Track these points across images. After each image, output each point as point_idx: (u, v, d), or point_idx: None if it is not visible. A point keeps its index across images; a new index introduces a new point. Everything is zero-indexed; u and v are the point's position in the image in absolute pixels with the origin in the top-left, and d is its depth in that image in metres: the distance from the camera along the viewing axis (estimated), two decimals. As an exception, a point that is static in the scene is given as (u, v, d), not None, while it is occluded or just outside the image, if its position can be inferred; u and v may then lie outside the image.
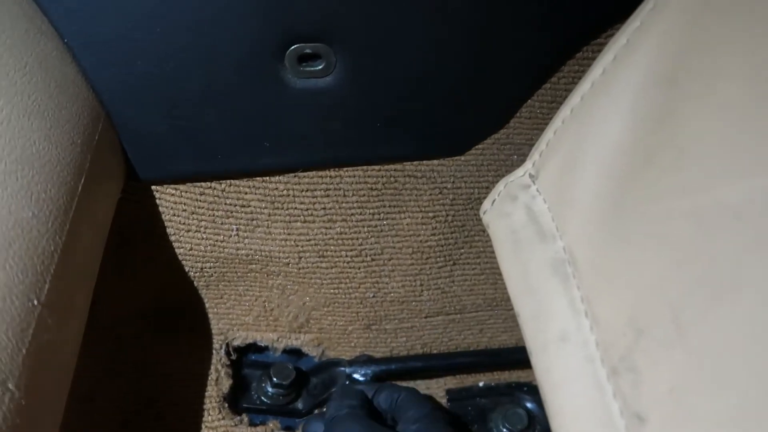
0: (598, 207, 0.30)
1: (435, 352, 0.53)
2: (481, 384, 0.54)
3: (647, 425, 0.25)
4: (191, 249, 0.44)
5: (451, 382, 0.54)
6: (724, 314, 0.22)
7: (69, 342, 0.30)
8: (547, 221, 0.34)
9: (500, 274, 0.52)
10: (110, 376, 0.42)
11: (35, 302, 0.27)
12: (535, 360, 0.32)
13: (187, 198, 0.42)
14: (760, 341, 0.21)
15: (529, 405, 0.53)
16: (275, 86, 0.38)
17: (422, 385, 0.54)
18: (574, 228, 0.32)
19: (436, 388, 0.54)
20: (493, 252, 0.51)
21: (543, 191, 0.34)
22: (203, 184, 0.42)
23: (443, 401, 0.53)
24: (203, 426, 0.44)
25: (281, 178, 0.43)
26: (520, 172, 0.36)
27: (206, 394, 0.45)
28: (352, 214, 0.46)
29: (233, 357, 0.49)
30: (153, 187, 0.41)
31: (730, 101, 0.23)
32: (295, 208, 0.44)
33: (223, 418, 0.45)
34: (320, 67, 0.38)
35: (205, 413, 0.45)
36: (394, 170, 0.45)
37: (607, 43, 0.43)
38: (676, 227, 0.25)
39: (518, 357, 0.54)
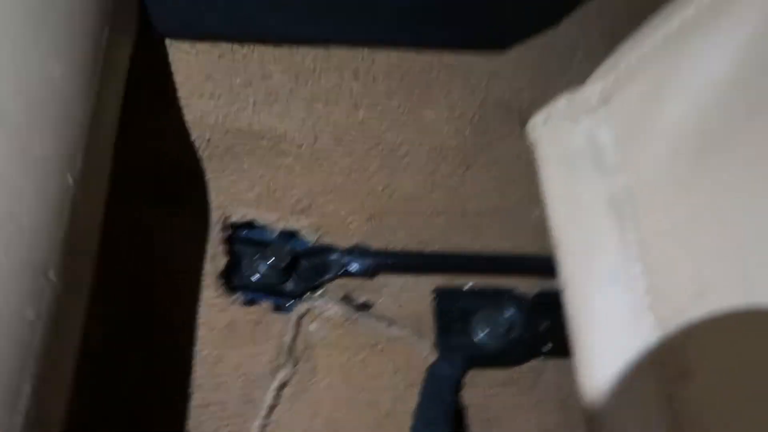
0: (679, 150, 0.29)
1: (430, 250, 0.53)
2: (468, 286, 0.55)
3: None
4: (201, 117, 0.40)
5: (440, 280, 0.54)
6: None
7: (97, 217, 0.26)
8: (609, 153, 0.32)
9: (510, 183, 0.51)
10: (103, 240, 0.39)
11: (70, 181, 0.23)
12: (571, 293, 0.31)
13: (204, 59, 0.37)
14: None
15: (510, 311, 0.54)
16: (330, -55, 0.33)
17: (411, 280, 0.54)
18: (642, 167, 0.30)
19: (425, 285, 0.54)
20: (507, 160, 0.50)
21: (611, 119, 0.32)
22: (224, 45, 0.37)
23: (429, 298, 0.54)
24: (201, 302, 0.42)
25: (310, 50, 0.39)
26: (586, 91, 0.34)
27: (203, 270, 0.43)
28: (378, 102, 0.42)
29: (228, 233, 0.47)
30: (167, 42, 0.36)
31: None
32: (320, 86, 0.40)
33: (219, 296, 0.44)
34: (384, -69, 0.33)
35: (203, 290, 0.43)
36: (431, 59, 0.41)
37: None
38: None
39: (509, 265, 0.54)
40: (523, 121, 0.48)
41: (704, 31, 0.29)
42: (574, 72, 0.44)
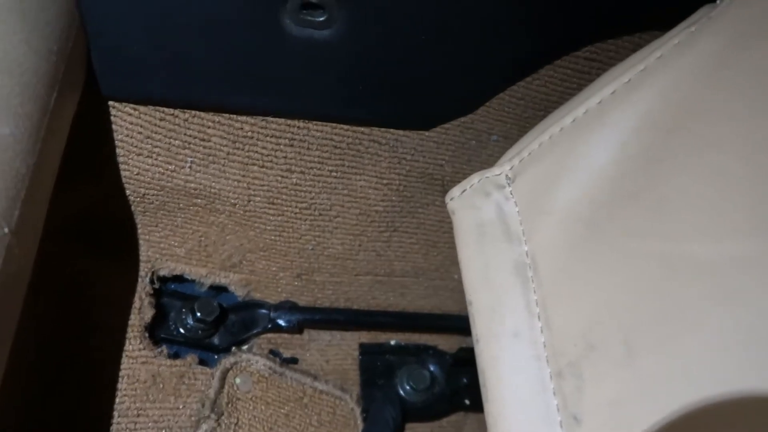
0: (571, 224, 0.33)
1: (356, 308, 0.55)
2: (392, 342, 0.57)
3: (582, 427, 0.29)
4: (138, 173, 0.41)
5: (366, 336, 0.56)
6: (674, 351, 0.26)
7: (28, 271, 0.27)
8: (515, 224, 0.36)
9: (433, 246, 0.55)
10: (34, 293, 0.39)
11: (5, 230, 0.24)
12: (482, 347, 0.34)
13: (146, 121, 0.39)
14: (699, 382, 0.25)
15: (432, 367, 0.57)
16: (271, 28, 0.36)
17: (337, 336, 0.56)
18: (541, 237, 0.34)
19: (350, 341, 0.56)
20: (431, 225, 0.54)
21: (517, 195, 0.36)
22: (165, 110, 0.39)
23: (355, 353, 0.56)
24: (124, 355, 0.43)
25: (249, 119, 0.41)
26: (496, 170, 0.38)
27: (129, 322, 0.44)
28: (311, 168, 0.45)
29: (156, 286, 0.48)
30: (110, 103, 0.38)
31: (720, 169, 0.27)
32: (256, 152, 0.43)
33: (144, 348, 0.44)
34: (321, 18, 0.37)
35: (127, 342, 0.43)
36: (361, 133, 0.45)
37: (584, 59, 0.46)
38: (645, 265, 0.28)
39: (431, 323, 0.57)
40: (445, 190, 0.52)
41: (592, 128, 0.34)
42: (490, 150, 0.49)
